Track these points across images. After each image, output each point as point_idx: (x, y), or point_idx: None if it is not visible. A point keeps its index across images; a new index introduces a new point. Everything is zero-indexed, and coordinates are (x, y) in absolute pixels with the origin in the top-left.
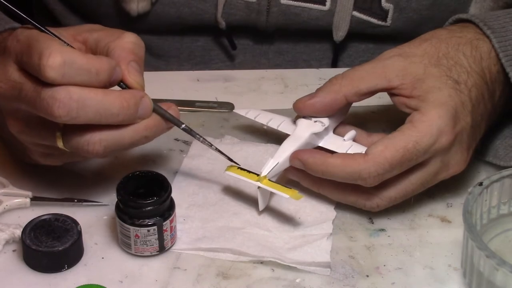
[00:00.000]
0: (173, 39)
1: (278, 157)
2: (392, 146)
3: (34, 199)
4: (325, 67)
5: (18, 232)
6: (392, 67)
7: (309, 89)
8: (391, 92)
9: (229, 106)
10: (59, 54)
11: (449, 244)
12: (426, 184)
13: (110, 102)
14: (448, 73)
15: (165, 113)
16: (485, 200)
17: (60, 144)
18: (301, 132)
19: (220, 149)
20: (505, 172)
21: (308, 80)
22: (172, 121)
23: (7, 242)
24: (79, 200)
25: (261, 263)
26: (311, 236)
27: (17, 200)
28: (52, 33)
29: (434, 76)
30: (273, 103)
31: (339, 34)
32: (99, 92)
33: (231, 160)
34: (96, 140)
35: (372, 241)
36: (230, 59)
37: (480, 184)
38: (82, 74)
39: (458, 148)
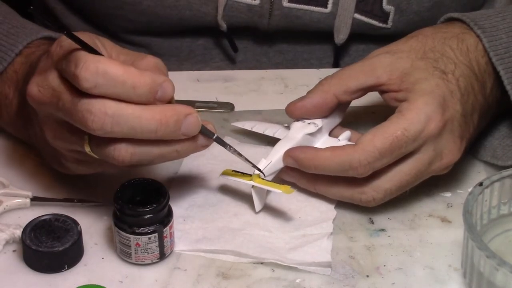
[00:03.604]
0: (174, 39)
1: (270, 157)
2: (381, 134)
3: (34, 199)
4: (326, 66)
5: (18, 232)
6: (380, 64)
7: (309, 89)
8: (381, 89)
9: (229, 106)
10: (93, 64)
11: (449, 244)
12: (420, 175)
13: (147, 119)
14: (434, 65)
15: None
16: (485, 200)
17: (87, 149)
18: (295, 134)
19: (220, 150)
20: (505, 172)
21: (308, 80)
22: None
23: (7, 242)
24: (79, 200)
25: (261, 263)
26: (311, 236)
27: (17, 200)
28: (91, 47)
29: (420, 69)
30: (273, 103)
31: (340, 37)
32: (137, 108)
33: (256, 167)
34: (123, 147)
35: (372, 241)
36: (230, 58)
37: (480, 184)
38: (117, 86)
39: (450, 137)
